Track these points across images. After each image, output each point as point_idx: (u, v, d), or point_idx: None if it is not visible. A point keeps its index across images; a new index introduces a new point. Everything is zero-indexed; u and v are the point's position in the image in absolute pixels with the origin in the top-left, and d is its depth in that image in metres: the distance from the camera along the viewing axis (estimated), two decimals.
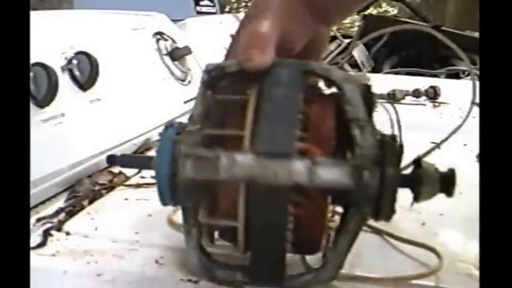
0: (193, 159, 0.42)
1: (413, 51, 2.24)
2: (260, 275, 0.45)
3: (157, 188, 0.45)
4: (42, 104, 0.67)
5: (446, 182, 0.45)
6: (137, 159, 0.58)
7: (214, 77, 0.47)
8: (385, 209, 0.42)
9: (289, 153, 0.40)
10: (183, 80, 1.08)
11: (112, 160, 0.55)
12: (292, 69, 0.45)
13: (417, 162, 0.45)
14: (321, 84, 0.47)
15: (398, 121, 0.53)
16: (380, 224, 0.52)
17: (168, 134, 0.46)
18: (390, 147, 0.43)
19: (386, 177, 0.42)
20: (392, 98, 1.26)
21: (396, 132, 0.56)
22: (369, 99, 0.45)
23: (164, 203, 0.46)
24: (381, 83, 1.46)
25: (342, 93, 0.44)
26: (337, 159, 0.41)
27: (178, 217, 0.56)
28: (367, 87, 0.45)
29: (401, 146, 0.45)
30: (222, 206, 0.44)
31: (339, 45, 2.39)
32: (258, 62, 0.44)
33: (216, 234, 0.49)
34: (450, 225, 0.59)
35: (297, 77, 0.45)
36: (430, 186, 0.44)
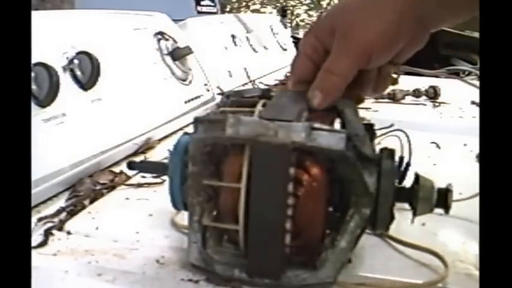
0: (205, 123, 0.46)
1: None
2: (256, 269, 0.45)
3: (170, 193, 0.50)
4: (44, 104, 0.67)
5: (443, 198, 0.47)
6: (155, 165, 0.60)
7: (232, 101, 0.53)
8: (382, 213, 0.45)
9: (291, 120, 0.43)
10: (184, 80, 1.08)
11: (132, 166, 0.59)
12: (299, 92, 0.51)
13: (415, 177, 0.48)
14: None
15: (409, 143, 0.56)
16: None
17: (181, 143, 0.50)
18: (387, 160, 0.46)
19: (383, 177, 0.45)
20: (393, 98, 1.26)
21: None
22: (369, 130, 0.49)
23: (176, 207, 0.51)
24: None
25: (343, 116, 0.48)
26: (335, 128, 0.45)
27: (181, 219, 0.56)
28: (368, 125, 0.50)
29: (407, 164, 0.49)
30: (225, 176, 0.46)
31: None
32: (316, 104, 0.49)
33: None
34: (450, 225, 0.60)
35: (303, 96, 0.50)
36: (426, 201, 0.47)
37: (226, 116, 0.44)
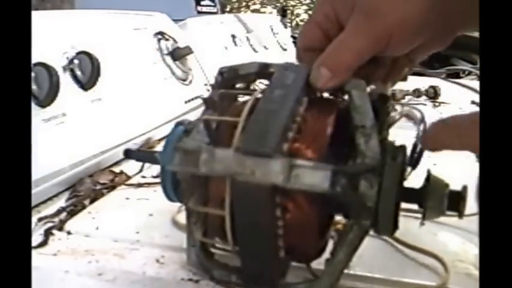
0: (180, 153, 0.41)
1: None
2: (253, 278, 0.44)
3: (161, 182, 0.47)
4: (44, 104, 0.67)
5: (456, 200, 0.42)
6: (151, 154, 0.59)
7: (226, 79, 0.47)
8: (384, 223, 0.41)
9: (270, 154, 0.38)
10: (184, 80, 1.08)
11: (128, 154, 0.58)
12: (299, 73, 0.44)
13: (427, 177, 0.43)
14: None
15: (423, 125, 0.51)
16: None
17: (177, 130, 0.47)
18: (392, 152, 0.41)
19: (384, 189, 0.40)
20: (393, 97, 1.26)
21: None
22: (382, 108, 0.44)
23: (168, 197, 0.48)
24: None
25: (350, 99, 0.42)
26: (320, 163, 0.39)
27: (182, 218, 0.56)
28: (383, 98, 0.45)
29: (420, 151, 0.44)
30: (211, 196, 0.43)
31: None
32: (321, 84, 0.43)
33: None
34: (450, 225, 0.60)
35: (302, 80, 0.43)
36: (436, 202, 0.42)
37: (200, 147, 0.40)
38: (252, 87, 0.49)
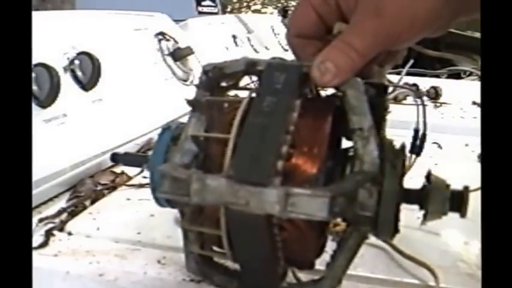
0: (169, 180, 0.39)
1: (414, 51, 2.24)
2: (254, 284, 0.44)
3: (151, 190, 0.45)
4: (45, 105, 0.67)
5: (458, 201, 0.41)
6: (139, 158, 0.58)
7: (212, 78, 0.46)
8: (384, 227, 0.40)
9: (264, 183, 0.36)
10: (185, 80, 1.08)
11: (115, 158, 0.56)
12: (290, 73, 0.41)
13: (427, 177, 0.42)
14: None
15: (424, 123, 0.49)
16: None
17: (164, 138, 0.46)
18: (392, 159, 0.39)
19: (384, 198, 0.39)
20: (394, 98, 1.26)
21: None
22: (380, 103, 0.42)
23: (160, 204, 0.46)
24: None
25: (345, 99, 0.40)
26: (316, 190, 0.37)
27: None
28: (380, 89, 0.43)
29: (423, 135, 0.43)
30: (205, 211, 0.42)
31: None
32: (326, 81, 0.40)
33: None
34: (452, 225, 0.59)
35: (294, 82, 0.41)
36: (438, 203, 0.41)
37: (190, 176, 0.38)
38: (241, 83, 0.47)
